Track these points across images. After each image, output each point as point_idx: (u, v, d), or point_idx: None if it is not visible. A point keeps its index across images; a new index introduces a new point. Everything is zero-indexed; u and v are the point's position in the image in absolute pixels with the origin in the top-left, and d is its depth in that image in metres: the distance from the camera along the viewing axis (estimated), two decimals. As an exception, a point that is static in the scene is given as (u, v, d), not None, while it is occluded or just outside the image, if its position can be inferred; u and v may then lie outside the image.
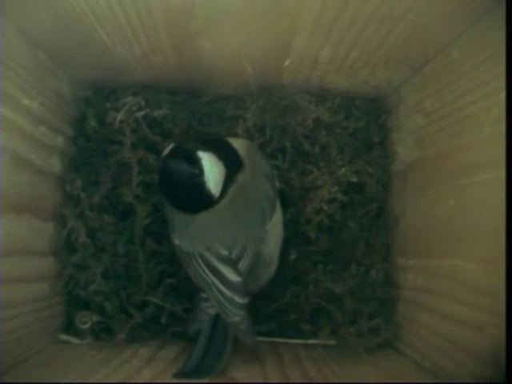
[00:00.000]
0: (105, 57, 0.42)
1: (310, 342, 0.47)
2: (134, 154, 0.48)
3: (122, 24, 0.36)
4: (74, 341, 0.46)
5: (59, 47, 0.41)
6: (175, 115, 0.50)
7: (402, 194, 0.48)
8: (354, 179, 0.50)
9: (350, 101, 0.51)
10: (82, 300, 0.47)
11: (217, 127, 0.50)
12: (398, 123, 0.49)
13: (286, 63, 0.43)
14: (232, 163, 0.39)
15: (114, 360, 0.41)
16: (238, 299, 0.39)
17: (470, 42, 0.36)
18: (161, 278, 0.48)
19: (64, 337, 0.46)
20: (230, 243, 0.40)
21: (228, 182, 0.38)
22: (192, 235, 0.40)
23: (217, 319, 0.41)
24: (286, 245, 0.47)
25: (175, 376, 0.38)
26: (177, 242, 0.41)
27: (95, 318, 0.47)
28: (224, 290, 0.39)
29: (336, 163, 0.50)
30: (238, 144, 0.42)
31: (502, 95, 0.30)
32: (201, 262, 0.40)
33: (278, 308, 0.49)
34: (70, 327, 0.47)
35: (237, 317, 0.39)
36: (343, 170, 0.50)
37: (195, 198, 0.37)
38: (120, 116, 0.48)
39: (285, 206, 0.48)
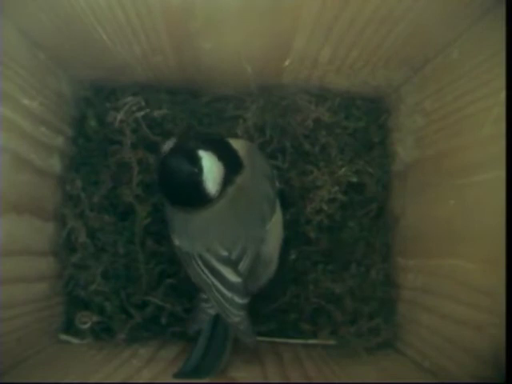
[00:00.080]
0: (105, 57, 0.42)
1: (310, 342, 0.47)
2: (134, 153, 0.48)
3: (122, 24, 0.36)
4: (74, 341, 0.46)
5: (59, 47, 0.41)
6: (175, 115, 0.50)
7: (402, 194, 0.48)
8: (354, 179, 0.50)
9: (350, 101, 0.51)
10: (82, 300, 0.47)
11: (217, 127, 0.50)
12: (398, 123, 0.49)
13: (286, 63, 0.43)
14: (232, 164, 0.39)
15: (114, 360, 0.41)
16: (238, 300, 0.39)
17: (469, 42, 0.36)
18: (161, 278, 0.48)
19: (64, 337, 0.46)
20: (230, 244, 0.40)
21: (227, 182, 0.38)
22: (192, 235, 0.40)
23: (217, 319, 0.41)
24: (286, 245, 0.47)
25: (175, 376, 0.38)
26: (177, 242, 0.41)
27: (95, 318, 0.47)
28: (224, 290, 0.39)
29: (336, 163, 0.50)
30: (237, 145, 0.42)
31: (502, 95, 0.30)
32: (200, 263, 0.40)
33: (278, 308, 0.49)
34: (70, 327, 0.47)
35: (237, 317, 0.39)
36: (343, 170, 0.50)
37: (192, 196, 0.37)
38: (120, 116, 0.48)
39: (285, 206, 0.48)
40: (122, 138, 0.48)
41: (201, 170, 0.36)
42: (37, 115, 0.41)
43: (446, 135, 0.39)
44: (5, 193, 0.37)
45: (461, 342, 0.35)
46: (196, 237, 0.40)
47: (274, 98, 0.50)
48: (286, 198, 0.50)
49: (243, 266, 0.40)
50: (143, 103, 0.48)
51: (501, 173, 0.30)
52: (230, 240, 0.40)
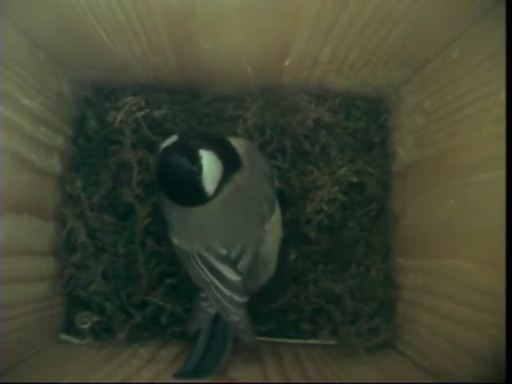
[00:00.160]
0: (105, 57, 0.42)
1: (310, 342, 0.47)
2: (134, 153, 0.48)
3: (123, 24, 0.36)
4: (74, 341, 0.46)
5: (59, 47, 0.41)
6: (175, 115, 0.50)
7: (402, 194, 0.48)
8: (354, 179, 0.50)
9: (350, 101, 0.51)
10: (82, 300, 0.47)
11: (217, 127, 0.50)
12: (398, 123, 0.49)
13: (286, 63, 0.43)
14: (230, 162, 0.39)
15: (114, 360, 0.41)
16: (238, 298, 0.39)
17: (470, 42, 0.36)
18: (161, 278, 0.48)
19: (64, 337, 0.46)
20: (229, 242, 0.40)
21: (224, 180, 0.39)
22: (190, 234, 0.40)
23: (216, 319, 0.41)
24: (286, 245, 0.47)
25: (175, 376, 0.38)
26: (175, 241, 0.41)
27: (95, 318, 0.47)
28: (223, 289, 0.39)
29: (336, 163, 0.50)
30: (237, 143, 0.42)
31: (502, 95, 0.30)
32: (199, 262, 0.40)
33: (278, 308, 0.49)
34: (69, 327, 0.47)
35: (236, 316, 0.40)
36: (343, 170, 0.50)
37: (189, 193, 0.37)
38: (120, 116, 0.48)
39: (284, 206, 0.48)
40: (122, 138, 0.48)
41: (200, 168, 0.36)
42: (37, 115, 0.41)
43: (446, 135, 0.39)
44: (5, 193, 0.37)
45: (461, 342, 0.35)
46: (194, 235, 0.40)
47: (274, 98, 0.50)
48: (286, 197, 0.50)
49: (242, 264, 0.40)
50: (143, 103, 0.48)
51: (501, 173, 0.30)
52: (229, 238, 0.40)
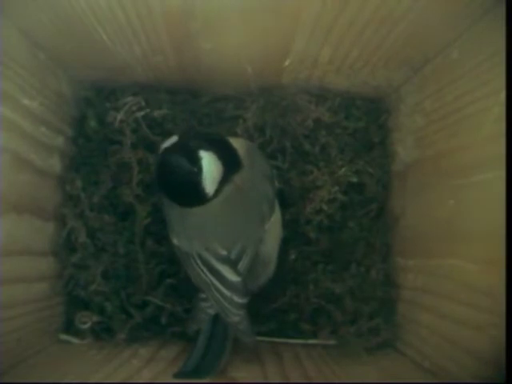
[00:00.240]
0: (105, 57, 0.42)
1: (310, 341, 0.47)
2: (134, 153, 0.48)
3: (123, 25, 0.36)
4: (74, 341, 0.46)
5: (59, 47, 0.41)
6: (175, 115, 0.50)
7: (402, 194, 0.48)
8: (354, 179, 0.50)
9: (350, 101, 0.51)
10: (82, 300, 0.47)
11: (217, 127, 0.50)
12: (397, 123, 0.49)
13: (286, 63, 0.43)
14: (231, 163, 0.39)
15: (114, 360, 0.41)
16: (238, 299, 0.39)
17: (470, 42, 0.36)
18: (161, 278, 0.48)
19: (64, 337, 0.46)
20: (229, 243, 0.40)
21: (224, 181, 0.39)
22: (190, 234, 0.40)
23: (216, 319, 0.41)
24: (286, 245, 0.47)
25: (175, 376, 0.38)
26: (175, 241, 0.41)
27: (95, 318, 0.47)
28: (223, 289, 0.39)
29: (336, 163, 0.50)
30: (237, 144, 0.42)
31: (502, 95, 0.30)
32: (199, 262, 0.40)
33: (278, 308, 0.48)
34: (69, 327, 0.47)
35: (236, 316, 0.40)
36: (343, 170, 0.50)
37: (189, 194, 0.38)
38: (120, 116, 0.48)
39: (284, 206, 0.48)
40: (122, 138, 0.48)
41: (200, 169, 0.36)
42: (37, 115, 0.41)
43: (445, 135, 0.39)
44: (5, 193, 0.37)
45: (461, 342, 0.35)
46: (194, 236, 0.40)
47: (274, 98, 0.50)
48: (286, 197, 0.50)
49: (242, 265, 0.40)
50: (143, 103, 0.48)
51: (501, 173, 0.30)
52: (228, 239, 0.40)
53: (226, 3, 0.34)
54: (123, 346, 0.45)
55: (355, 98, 0.51)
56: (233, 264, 0.40)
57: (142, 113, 0.48)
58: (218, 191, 0.38)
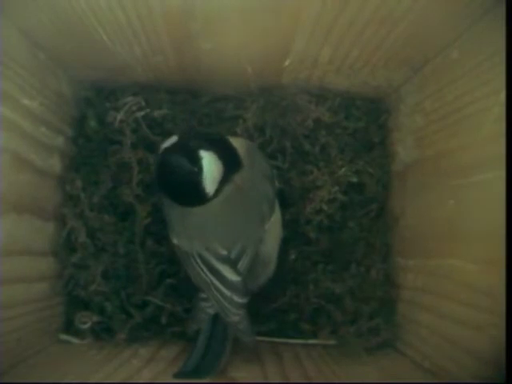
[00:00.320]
0: (105, 57, 0.42)
1: (310, 341, 0.47)
2: (134, 153, 0.48)
3: (123, 25, 0.36)
4: (74, 341, 0.46)
5: (59, 47, 0.41)
6: (175, 115, 0.50)
7: (402, 194, 0.48)
8: (354, 179, 0.50)
9: (350, 101, 0.51)
10: (82, 300, 0.47)
11: (217, 127, 0.50)
12: (397, 123, 0.49)
13: (286, 63, 0.43)
14: (231, 163, 0.39)
15: (114, 360, 0.41)
16: (238, 299, 0.39)
17: (470, 42, 0.36)
18: (161, 278, 0.48)
19: (64, 337, 0.46)
20: (229, 243, 0.40)
21: (224, 180, 0.39)
22: (190, 234, 0.40)
23: (216, 319, 0.41)
24: (286, 245, 0.47)
25: (175, 376, 0.38)
26: (175, 241, 0.41)
27: (95, 318, 0.47)
28: (223, 289, 0.39)
29: (336, 163, 0.50)
30: (237, 143, 0.42)
31: (502, 95, 0.30)
32: (199, 262, 0.40)
33: (278, 308, 0.49)
34: (69, 327, 0.47)
35: (236, 316, 0.40)
36: (343, 170, 0.50)
37: (189, 194, 0.38)
38: (120, 116, 0.48)
39: (284, 206, 0.48)
40: (122, 138, 0.48)
41: (200, 169, 0.36)
42: (37, 115, 0.41)
43: (445, 135, 0.39)
44: (5, 193, 0.37)
45: (461, 342, 0.35)
46: (194, 235, 0.40)
47: (274, 98, 0.50)
48: (286, 197, 0.50)
49: (242, 264, 0.40)
50: (143, 103, 0.48)
51: (501, 173, 0.30)
52: (229, 239, 0.40)
53: (226, 3, 0.34)
54: (123, 346, 0.45)
55: (355, 98, 0.51)
56: (233, 264, 0.40)
57: (142, 113, 0.48)
58: (218, 191, 0.38)
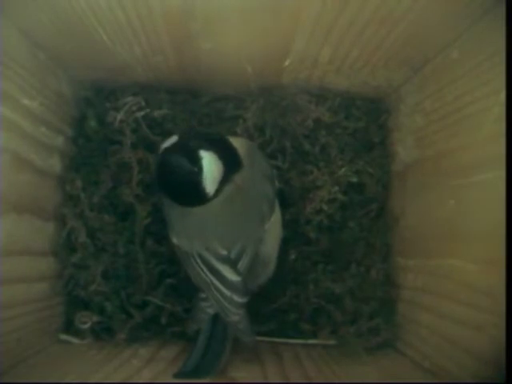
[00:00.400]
0: (105, 57, 0.42)
1: (310, 341, 0.47)
2: (134, 153, 0.48)
3: (123, 25, 0.36)
4: (74, 341, 0.46)
5: (59, 47, 0.41)
6: (175, 115, 0.50)
7: (402, 194, 0.48)
8: (354, 179, 0.50)
9: (350, 101, 0.51)
10: (82, 300, 0.47)
11: (217, 127, 0.50)
12: (397, 123, 0.49)
13: (286, 63, 0.43)
14: (231, 163, 0.39)
15: (114, 360, 0.41)
16: (237, 299, 0.39)
17: (470, 42, 0.36)
18: (161, 278, 0.48)
19: (64, 337, 0.46)
20: (229, 243, 0.40)
21: (224, 180, 0.39)
22: (190, 234, 0.40)
23: (216, 319, 0.41)
24: (286, 245, 0.47)
25: (175, 376, 0.38)
26: (175, 240, 0.41)
27: (95, 318, 0.47)
28: (223, 289, 0.39)
29: (336, 163, 0.50)
30: (237, 143, 0.42)
31: (502, 95, 0.30)
32: (199, 262, 0.40)
33: (278, 308, 0.48)
34: (69, 327, 0.47)
35: (236, 316, 0.40)
36: (343, 170, 0.50)
37: (189, 194, 0.38)
38: (120, 116, 0.48)
39: (284, 206, 0.48)
40: (122, 138, 0.48)
41: (201, 169, 0.36)
42: (37, 115, 0.41)
43: (445, 135, 0.39)
44: (5, 193, 0.37)
45: (461, 342, 0.35)
46: (194, 235, 0.40)
47: (274, 98, 0.50)
48: (286, 197, 0.50)
49: (242, 264, 0.40)
50: (143, 103, 0.48)
51: (501, 173, 0.30)
52: (228, 239, 0.40)
53: (226, 3, 0.34)
54: (123, 346, 0.45)
55: (355, 98, 0.51)
56: (233, 264, 0.40)
57: (142, 113, 0.48)
58: (218, 191, 0.38)
